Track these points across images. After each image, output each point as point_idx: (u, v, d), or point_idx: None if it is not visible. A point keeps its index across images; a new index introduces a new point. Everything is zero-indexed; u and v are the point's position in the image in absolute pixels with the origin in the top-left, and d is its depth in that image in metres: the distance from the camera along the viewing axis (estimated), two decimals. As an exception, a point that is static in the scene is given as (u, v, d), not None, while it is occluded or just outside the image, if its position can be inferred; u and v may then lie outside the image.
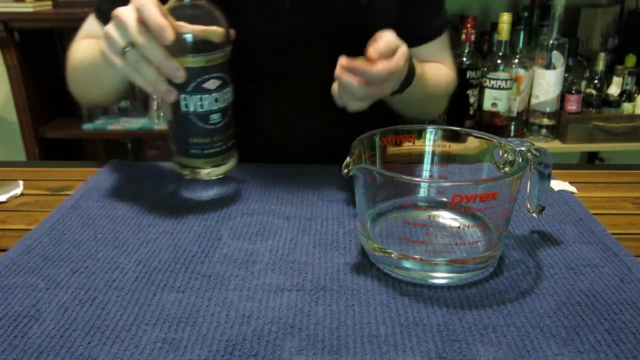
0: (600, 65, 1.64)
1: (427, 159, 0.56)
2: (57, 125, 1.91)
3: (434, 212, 0.50)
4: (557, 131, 1.65)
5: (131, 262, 0.50)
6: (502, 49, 1.52)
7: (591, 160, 1.97)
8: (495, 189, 0.44)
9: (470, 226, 0.48)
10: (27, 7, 1.71)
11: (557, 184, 0.67)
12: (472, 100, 1.64)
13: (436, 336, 0.40)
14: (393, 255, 0.47)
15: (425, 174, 0.56)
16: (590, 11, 1.74)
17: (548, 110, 1.61)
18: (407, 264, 0.47)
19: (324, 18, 0.74)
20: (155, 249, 0.52)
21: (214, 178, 0.63)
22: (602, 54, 1.63)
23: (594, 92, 1.64)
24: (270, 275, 0.48)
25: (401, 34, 0.68)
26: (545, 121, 1.64)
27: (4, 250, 0.52)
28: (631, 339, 0.40)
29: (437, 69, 0.83)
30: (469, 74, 1.61)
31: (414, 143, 0.55)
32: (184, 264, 0.49)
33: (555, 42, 1.54)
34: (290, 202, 0.62)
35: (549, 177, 0.50)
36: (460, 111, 1.66)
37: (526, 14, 1.60)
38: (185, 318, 0.42)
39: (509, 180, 0.45)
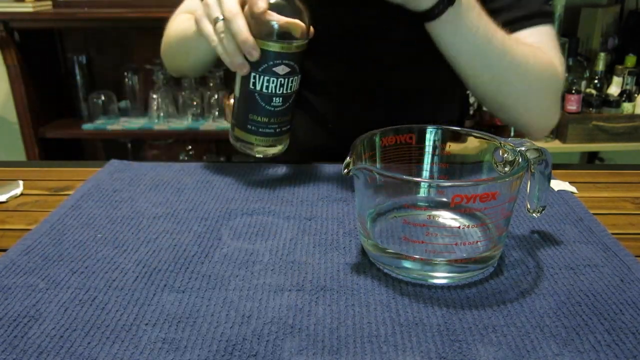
0: (600, 65, 1.64)
1: (427, 159, 0.56)
2: (57, 125, 1.91)
3: (434, 212, 0.50)
4: (557, 131, 1.65)
5: (131, 262, 0.50)
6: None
7: (591, 160, 1.97)
8: (495, 189, 0.44)
9: (470, 226, 0.48)
10: (27, 7, 1.71)
11: (557, 184, 0.67)
12: (472, 100, 1.64)
13: (436, 336, 0.40)
14: (393, 255, 0.48)
15: (425, 174, 0.56)
16: (590, 11, 1.74)
17: (548, 110, 1.61)
18: (407, 264, 0.47)
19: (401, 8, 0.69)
20: (155, 249, 0.52)
21: (262, 157, 0.67)
22: (602, 54, 1.63)
23: (594, 92, 1.64)
24: (270, 275, 0.48)
25: (492, 15, 0.64)
26: (545, 121, 1.63)
27: (4, 250, 0.52)
28: (631, 339, 0.40)
29: (526, 44, 0.69)
30: (469, 74, 1.60)
31: (414, 143, 0.55)
32: (184, 264, 0.49)
33: (555, 42, 1.53)
34: (290, 202, 0.62)
35: (549, 177, 0.50)
36: (460, 111, 1.65)
37: (526, 14, 1.60)
38: (185, 318, 0.42)
39: (509, 180, 0.45)
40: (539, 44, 0.70)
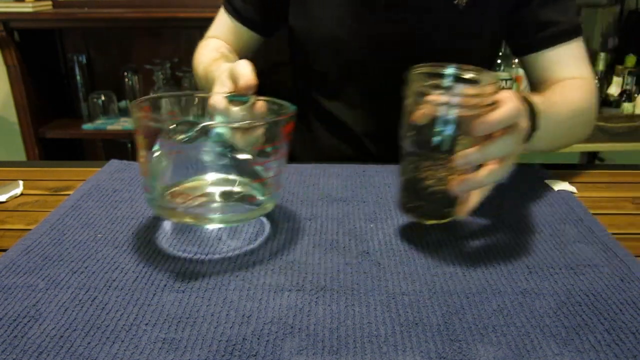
0: (600, 65, 1.64)
1: None
2: (57, 125, 1.91)
3: None
4: (557, 131, 1.65)
5: (131, 262, 0.50)
6: (502, 49, 1.52)
7: (591, 160, 1.97)
8: None
9: None
10: (27, 7, 1.71)
11: (557, 184, 0.67)
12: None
13: (436, 336, 0.40)
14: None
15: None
16: (590, 11, 1.74)
17: (548, 110, 1.61)
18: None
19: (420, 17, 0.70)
20: (155, 249, 0.52)
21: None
22: (602, 54, 1.63)
23: (594, 92, 1.64)
24: (270, 275, 0.48)
25: (518, 35, 0.63)
26: (545, 121, 1.63)
27: (4, 250, 0.52)
28: (631, 339, 0.40)
29: (571, 90, 0.67)
30: (469, 74, 1.60)
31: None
32: (184, 264, 0.49)
33: (555, 42, 1.53)
34: (290, 202, 0.62)
35: None
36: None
37: (526, 14, 1.60)
38: (185, 318, 0.42)
39: None
40: (577, 66, 0.72)
